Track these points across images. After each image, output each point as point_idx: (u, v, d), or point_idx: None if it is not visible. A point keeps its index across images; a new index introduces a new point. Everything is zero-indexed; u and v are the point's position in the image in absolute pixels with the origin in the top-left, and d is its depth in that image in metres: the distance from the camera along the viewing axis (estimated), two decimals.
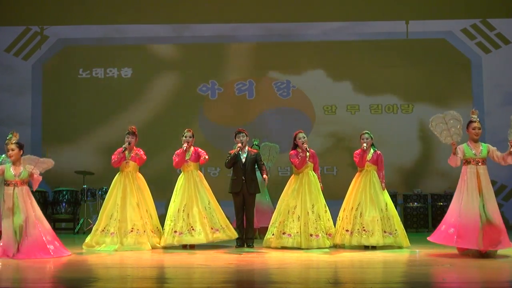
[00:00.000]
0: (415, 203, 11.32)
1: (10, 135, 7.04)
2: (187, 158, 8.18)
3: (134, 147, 8.28)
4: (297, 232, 7.83)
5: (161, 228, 8.21)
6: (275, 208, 8.41)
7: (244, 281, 5.40)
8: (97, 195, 10.92)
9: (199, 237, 7.90)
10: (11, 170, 6.98)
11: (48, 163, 7.20)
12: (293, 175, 8.26)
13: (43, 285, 5.29)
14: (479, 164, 6.81)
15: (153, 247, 7.95)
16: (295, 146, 8.14)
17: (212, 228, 7.99)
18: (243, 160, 8.14)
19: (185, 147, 8.12)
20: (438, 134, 6.89)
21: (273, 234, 8.02)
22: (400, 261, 6.80)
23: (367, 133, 8.03)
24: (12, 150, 6.97)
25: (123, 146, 8.15)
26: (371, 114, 12.07)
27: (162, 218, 8.35)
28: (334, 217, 8.17)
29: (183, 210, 7.99)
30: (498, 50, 12.10)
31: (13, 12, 12.33)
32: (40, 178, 7.13)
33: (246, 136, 8.26)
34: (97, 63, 12.30)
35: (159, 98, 12.18)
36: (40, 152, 11.10)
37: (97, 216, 8.42)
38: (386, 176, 8.07)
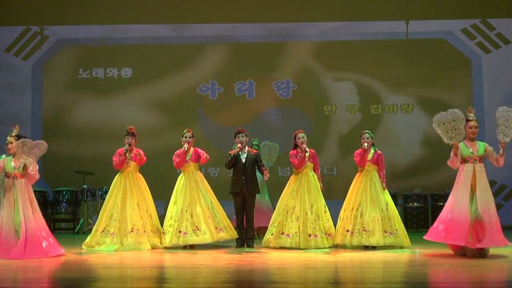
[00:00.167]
0: (415, 203, 11.32)
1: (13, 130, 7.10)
2: (187, 158, 8.19)
3: (134, 148, 8.28)
4: (296, 232, 7.83)
5: (161, 228, 8.21)
6: (274, 208, 8.41)
7: (244, 281, 5.40)
8: (97, 195, 10.91)
9: (205, 237, 7.90)
10: (11, 162, 7.02)
11: (41, 146, 7.11)
12: (293, 175, 8.26)
13: (43, 285, 5.30)
14: (476, 162, 6.82)
15: (153, 247, 7.94)
16: (295, 146, 8.14)
17: (216, 228, 8.00)
18: (243, 160, 8.13)
19: (186, 148, 8.12)
20: (441, 133, 6.85)
21: (272, 234, 8.02)
22: (400, 261, 6.80)
23: (368, 132, 8.03)
24: (11, 143, 7.02)
25: (124, 148, 8.14)
26: (371, 114, 12.08)
27: (162, 218, 8.34)
28: (334, 217, 8.17)
29: (186, 211, 7.99)
30: (498, 50, 12.10)
31: (13, 12, 12.33)
32: (37, 176, 7.11)
33: (246, 136, 8.26)
34: (97, 63, 12.30)
35: (159, 98, 12.19)
36: None
37: (97, 216, 8.42)
38: (386, 176, 8.07)
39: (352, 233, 7.77)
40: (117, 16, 12.33)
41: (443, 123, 6.83)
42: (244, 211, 8.17)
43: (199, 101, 12.19)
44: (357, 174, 8.12)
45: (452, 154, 6.88)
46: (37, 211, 7.11)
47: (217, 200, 8.25)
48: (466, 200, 6.69)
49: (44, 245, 6.91)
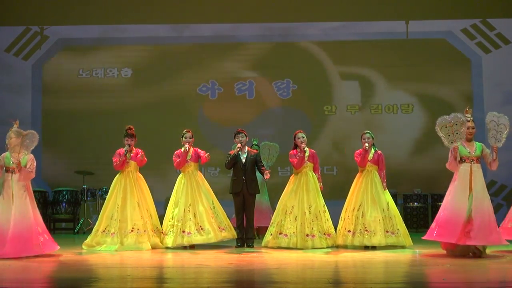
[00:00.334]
0: (415, 203, 11.33)
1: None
2: (188, 158, 8.18)
3: (134, 148, 8.28)
4: (294, 233, 7.82)
5: (161, 228, 8.20)
6: (274, 208, 8.40)
7: (244, 281, 5.40)
8: (97, 195, 10.92)
9: (209, 236, 7.90)
10: (11, 157, 7.06)
11: (32, 136, 7.13)
12: (292, 175, 8.26)
13: (43, 285, 5.29)
14: (473, 162, 6.83)
15: (154, 247, 7.94)
16: (295, 146, 8.14)
17: (219, 227, 8.02)
18: (243, 160, 8.13)
19: (186, 148, 8.12)
20: (443, 136, 6.85)
21: (271, 234, 8.02)
22: (401, 261, 6.79)
23: (368, 133, 8.03)
24: (11, 138, 7.04)
25: (124, 149, 8.13)
26: (371, 114, 12.08)
27: (161, 218, 8.34)
28: (335, 217, 8.16)
29: (189, 211, 7.98)
30: (498, 50, 12.10)
31: (13, 12, 12.33)
32: (33, 175, 7.12)
33: (246, 136, 8.26)
34: (97, 63, 12.31)
35: (159, 98, 12.18)
36: (40, 152, 11.07)
37: (97, 216, 8.41)
38: (386, 176, 8.07)
39: (353, 233, 7.77)
40: (117, 16, 12.33)
41: (446, 126, 6.83)
42: (244, 211, 8.16)
43: (199, 101, 12.19)
44: (358, 175, 8.12)
45: (451, 157, 6.86)
46: (34, 207, 7.13)
47: (217, 200, 8.25)
48: (463, 199, 6.68)
49: (40, 241, 6.92)
